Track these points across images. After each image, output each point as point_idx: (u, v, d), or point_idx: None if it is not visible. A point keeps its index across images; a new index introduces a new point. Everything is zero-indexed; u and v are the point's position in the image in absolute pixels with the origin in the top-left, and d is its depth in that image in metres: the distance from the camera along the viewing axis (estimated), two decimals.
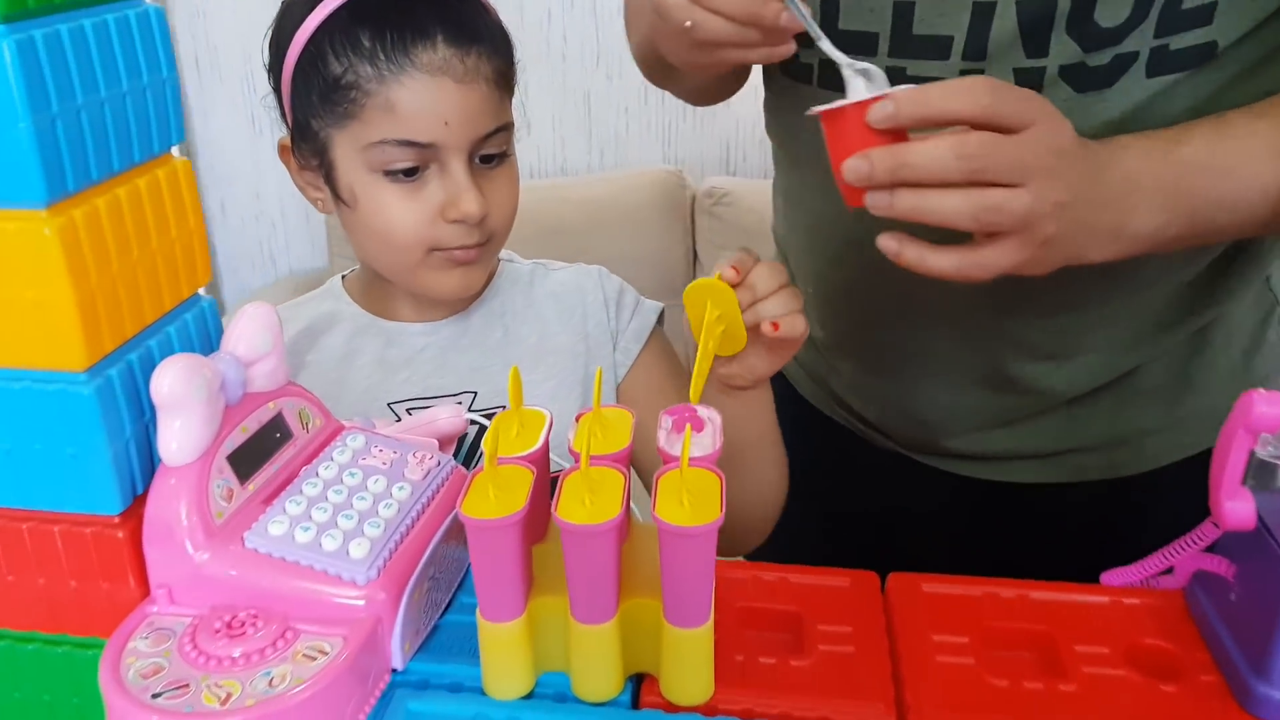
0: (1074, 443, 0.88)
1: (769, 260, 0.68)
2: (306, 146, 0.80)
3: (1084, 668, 0.53)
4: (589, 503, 0.48)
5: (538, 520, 0.53)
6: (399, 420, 0.76)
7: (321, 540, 0.52)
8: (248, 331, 0.56)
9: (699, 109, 2.42)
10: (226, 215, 2.60)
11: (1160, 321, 0.82)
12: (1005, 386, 0.85)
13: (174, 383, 0.50)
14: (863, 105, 0.59)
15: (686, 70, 0.72)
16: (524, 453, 0.53)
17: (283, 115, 0.82)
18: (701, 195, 2.37)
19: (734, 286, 0.66)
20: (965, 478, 0.92)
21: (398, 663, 0.52)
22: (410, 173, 0.77)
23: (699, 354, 0.64)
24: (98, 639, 0.53)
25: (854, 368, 0.93)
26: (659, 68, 0.86)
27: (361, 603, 0.51)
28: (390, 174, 0.77)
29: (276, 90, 0.81)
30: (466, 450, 0.83)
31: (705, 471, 0.51)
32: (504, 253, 0.91)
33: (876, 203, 0.59)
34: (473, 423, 0.79)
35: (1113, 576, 0.60)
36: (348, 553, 0.52)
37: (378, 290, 0.87)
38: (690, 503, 0.48)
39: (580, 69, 2.42)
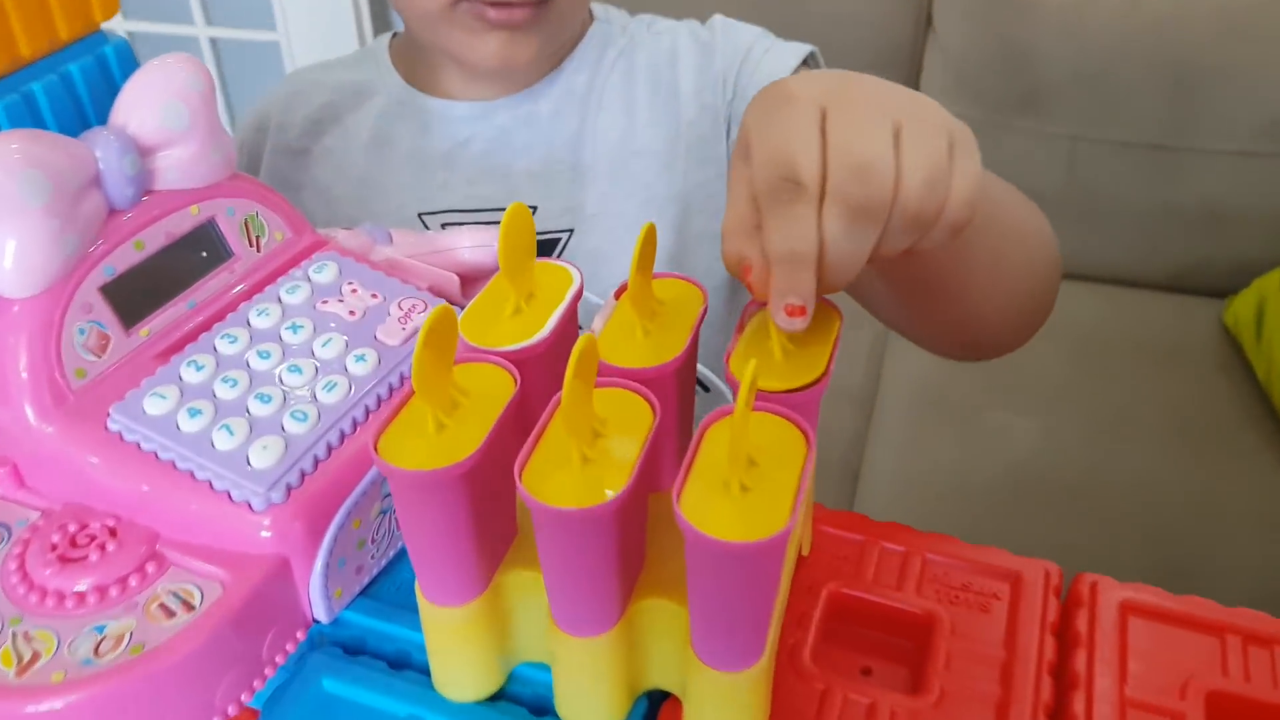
0: None
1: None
2: None
3: None
4: (582, 460, 0.29)
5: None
6: None
7: (214, 435, 0.35)
8: (150, 97, 0.37)
9: None
10: None
11: None
12: None
13: None
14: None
15: None
16: (514, 346, 0.34)
17: None
18: None
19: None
20: None
21: (321, 615, 0.36)
22: None
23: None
24: None
25: None
26: None
27: (265, 534, 0.35)
28: None
29: None
30: None
31: (783, 422, 0.30)
32: (601, 7, 0.66)
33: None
34: None
35: None
36: (247, 459, 0.35)
37: (417, 52, 0.65)
38: (746, 487, 0.28)
39: None
